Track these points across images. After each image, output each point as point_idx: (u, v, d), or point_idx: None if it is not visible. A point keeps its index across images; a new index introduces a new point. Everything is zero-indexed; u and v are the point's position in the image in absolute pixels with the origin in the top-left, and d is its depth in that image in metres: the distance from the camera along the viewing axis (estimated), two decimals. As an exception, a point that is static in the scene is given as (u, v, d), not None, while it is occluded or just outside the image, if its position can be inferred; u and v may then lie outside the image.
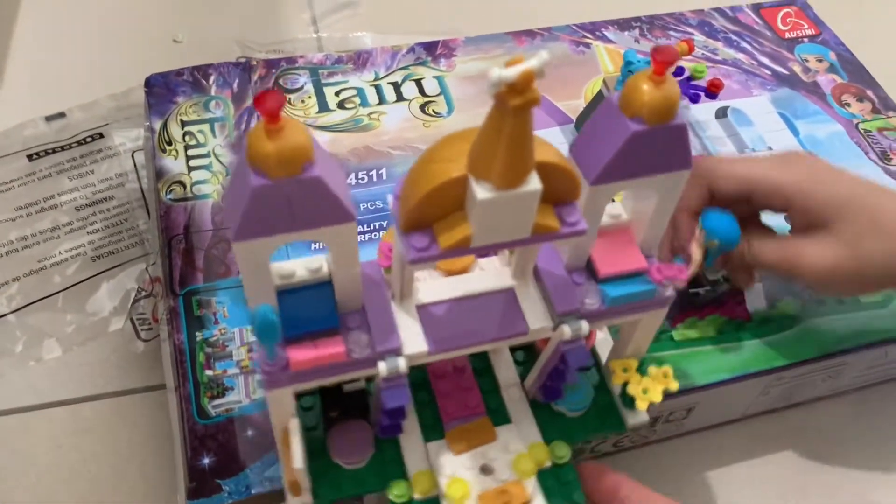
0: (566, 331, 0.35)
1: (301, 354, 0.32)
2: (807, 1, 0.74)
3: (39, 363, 0.55)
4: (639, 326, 0.39)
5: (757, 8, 0.72)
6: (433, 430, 0.39)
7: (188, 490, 0.41)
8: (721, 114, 0.62)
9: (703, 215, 0.40)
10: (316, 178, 0.27)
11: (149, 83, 0.61)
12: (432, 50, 0.65)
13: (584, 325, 0.36)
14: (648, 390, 0.39)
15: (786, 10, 0.72)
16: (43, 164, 0.65)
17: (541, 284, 0.37)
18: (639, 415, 0.41)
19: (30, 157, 0.65)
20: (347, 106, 0.61)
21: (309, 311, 0.33)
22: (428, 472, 0.38)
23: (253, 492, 0.41)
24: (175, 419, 0.46)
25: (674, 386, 0.39)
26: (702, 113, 0.62)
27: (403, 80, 0.63)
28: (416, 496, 0.37)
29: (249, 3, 0.82)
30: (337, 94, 0.61)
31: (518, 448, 0.39)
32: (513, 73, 0.25)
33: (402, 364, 0.34)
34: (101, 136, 0.67)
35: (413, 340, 0.35)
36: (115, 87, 0.69)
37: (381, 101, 0.61)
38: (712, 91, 0.55)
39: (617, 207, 0.38)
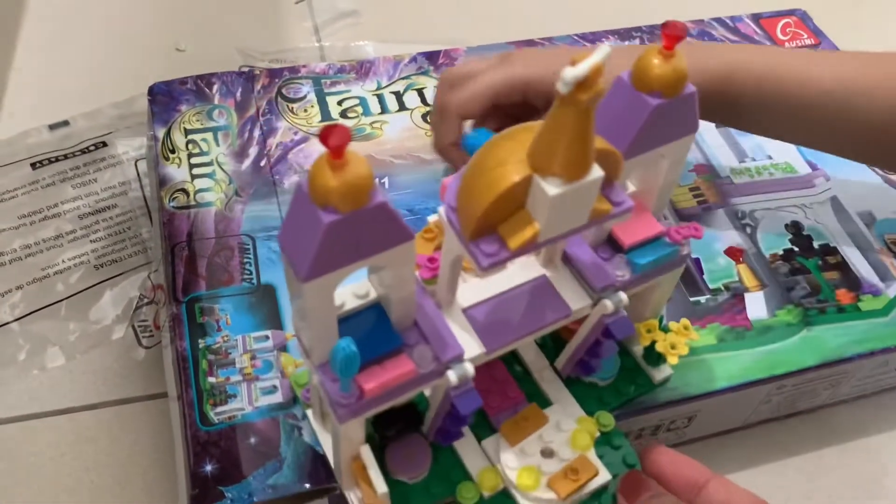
0: (608, 305, 0.37)
1: (373, 380, 0.32)
2: (806, 11, 0.74)
3: (43, 372, 0.55)
4: (658, 287, 0.40)
5: (757, 18, 0.73)
6: (482, 427, 0.41)
7: (191, 497, 0.41)
8: (721, 123, 0.63)
9: (463, 141, 0.42)
10: (382, 205, 0.28)
11: (152, 92, 0.61)
12: (434, 59, 0.66)
13: (623, 297, 0.37)
14: (676, 345, 0.42)
15: (786, 20, 0.73)
16: (46, 173, 0.65)
17: (570, 266, 0.38)
18: (663, 370, 0.44)
19: (33, 166, 0.65)
20: (350, 115, 0.61)
21: (369, 336, 0.33)
22: (491, 469, 0.39)
23: (255, 500, 0.41)
24: (177, 426, 0.46)
25: (695, 336, 0.43)
26: (702, 122, 0.62)
27: (405, 90, 0.63)
28: (486, 493, 0.39)
29: (251, 12, 0.82)
30: (339, 103, 0.62)
31: (570, 426, 0.40)
32: (584, 69, 0.26)
33: (469, 369, 0.34)
34: (105, 144, 0.67)
35: (469, 344, 0.35)
36: (119, 95, 0.70)
37: (384, 110, 0.62)
38: None
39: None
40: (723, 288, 0.52)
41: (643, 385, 0.45)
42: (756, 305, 0.52)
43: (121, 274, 0.60)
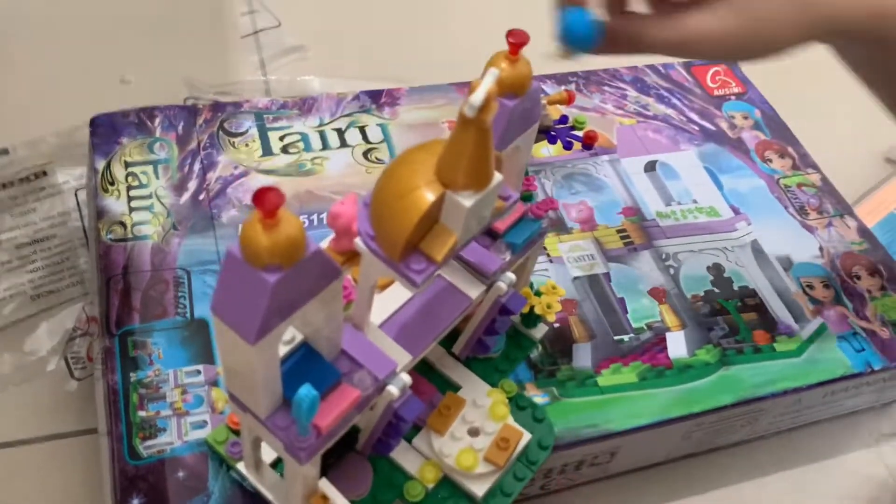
0: (502, 286, 0.40)
1: (326, 417, 0.34)
2: (735, 60, 0.78)
3: (-27, 403, 0.55)
4: (530, 259, 0.44)
5: (688, 66, 0.76)
6: None
7: (116, 532, 0.42)
8: (650, 167, 0.65)
9: (560, 17, 0.42)
10: (318, 251, 0.29)
11: (94, 123, 0.61)
12: (377, 98, 0.67)
13: (512, 276, 0.41)
14: (551, 305, 0.47)
15: (715, 68, 0.76)
16: (-16, 201, 0.65)
17: (457, 261, 0.41)
18: (540, 329, 0.49)
19: (-29, 194, 0.65)
20: (291, 151, 0.62)
21: (309, 377, 0.34)
22: (428, 463, 0.42)
23: (181, 534, 0.42)
24: (106, 461, 0.46)
25: (562, 292, 0.48)
26: (632, 166, 0.65)
27: (347, 127, 0.65)
28: (430, 486, 0.41)
29: (198, 45, 0.83)
30: (281, 138, 0.63)
31: (484, 401, 0.44)
32: (482, 95, 0.30)
33: (406, 378, 0.37)
34: (45, 173, 0.67)
35: (396, 355, 0.37)
36: (61, 124, 0.70)
37: (325, 146, 0.63)
38: (587, 143, 0.58)
39: None
40: (646, 327, 0.54)
41: (527, 346, 0.48)
42: (677, 344, 0.54)
43: (58, 305, 0.60)
